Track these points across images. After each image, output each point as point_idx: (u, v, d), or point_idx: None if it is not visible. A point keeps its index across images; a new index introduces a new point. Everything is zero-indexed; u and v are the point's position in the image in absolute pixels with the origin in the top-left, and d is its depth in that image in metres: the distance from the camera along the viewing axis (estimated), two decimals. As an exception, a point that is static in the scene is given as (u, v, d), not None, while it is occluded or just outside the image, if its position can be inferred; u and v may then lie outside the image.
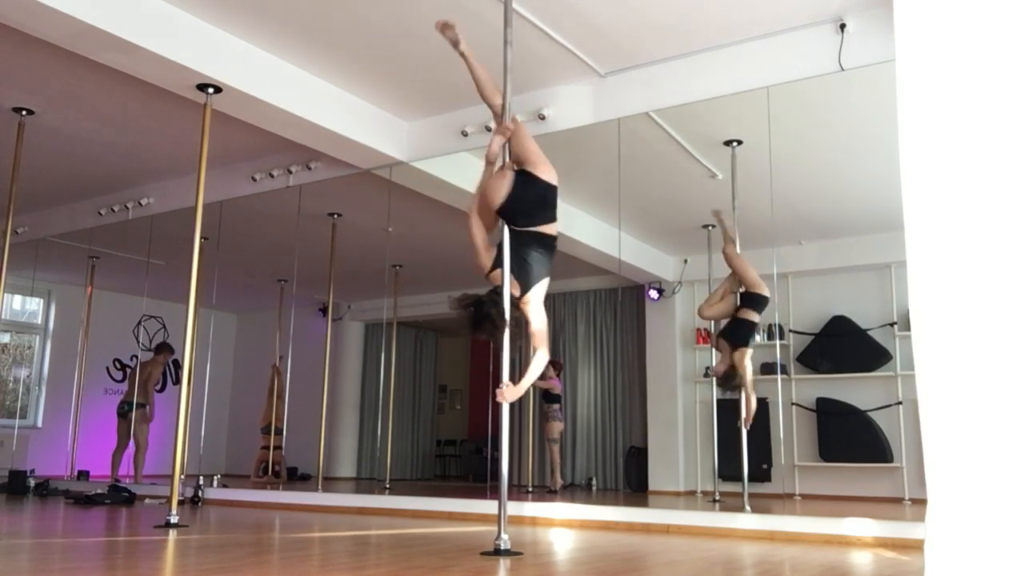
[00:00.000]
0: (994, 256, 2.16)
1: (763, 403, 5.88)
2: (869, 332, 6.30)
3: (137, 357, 9.58)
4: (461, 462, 11.55)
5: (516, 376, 3.77)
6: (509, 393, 3.69)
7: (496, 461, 3.81)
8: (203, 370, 8.34)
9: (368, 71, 5.47)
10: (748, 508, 5.10)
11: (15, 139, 6.08)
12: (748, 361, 5.69)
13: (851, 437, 6.30)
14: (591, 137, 5.67)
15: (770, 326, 6.28)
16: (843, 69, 4.57)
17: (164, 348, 8.77)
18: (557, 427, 7.96)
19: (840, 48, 4.58)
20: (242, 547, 3.78)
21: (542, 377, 7.98)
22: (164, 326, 9.48)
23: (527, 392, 7.96)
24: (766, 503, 5.55)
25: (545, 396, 8.03)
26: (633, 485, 7.53)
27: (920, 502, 4.21)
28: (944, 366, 2.18)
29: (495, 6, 4.46)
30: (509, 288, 3.70)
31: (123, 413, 8.47)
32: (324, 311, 8.18)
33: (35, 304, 9.67)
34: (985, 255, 2.17)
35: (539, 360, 3.70)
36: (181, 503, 5.19)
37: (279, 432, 8.87)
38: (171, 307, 8.90)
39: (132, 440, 8.33)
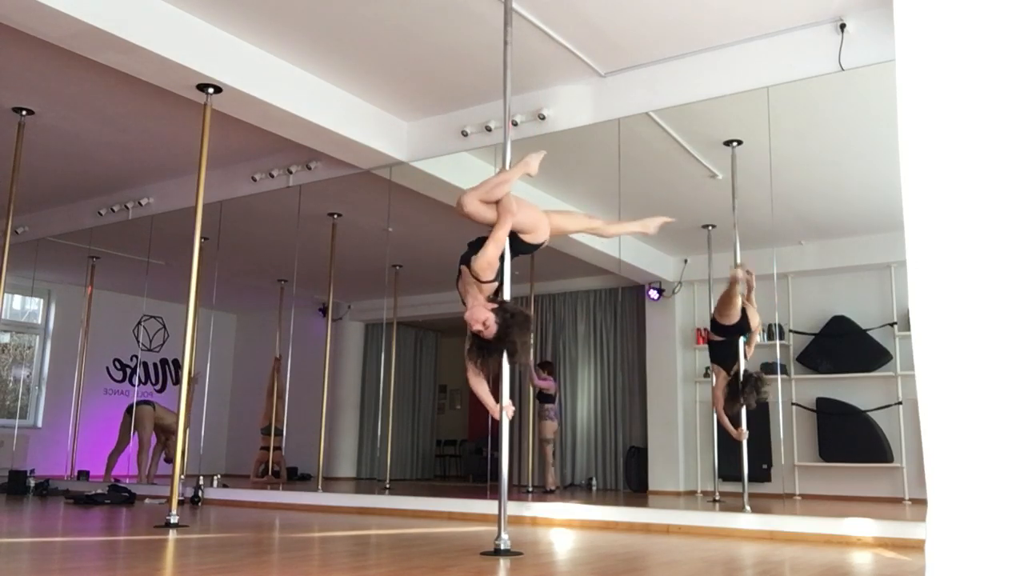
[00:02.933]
0: (994, 256, 2.16)
1: (763, 403, 5.89)
2: (869, 332, 6.30)
3: (137, 357, 9.58)
4: (461, 462, 11.55)
5: (514, 394, 3.80)
6: (509, 411, 3.75)
7: (496, 461, 3.81)
8: (203, 370, 8.34)
9: (368, 71, 5.48)
10: (748, 508, 5.10)
11: (15, 139, 6.08)
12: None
13: (851, 437, 6.30)
14: (591, 137, 5.67)
15: (770, 326, 6.28)
16: (843, 69, 4.57)
17: (165, 430, 8.50)
18: (551, 427, 7.95)
19: (840, 48, 4.58)
20: (242, 547, 3.78)
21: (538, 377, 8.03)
22: (164, 326, 9.48)
23: (526, 391, 8.02)
24: (766, 503, 5.55)
25: (540, 396, 8.03)
26: (633, 485, 7.53)
27: (920, 502, 4.21)
28: (944, 366, 2.18)
29: (495, 6, 4.46)
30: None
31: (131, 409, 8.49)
32: (324, 311, 8.18)
33: (35, 304, 9.67)
34: (985, 255, 2.17)
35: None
36: (181, 503, 5.19)
37: (279, 432, 8.87)
38: (171, 307, 8.90)
39: (136, 439, 8.34)
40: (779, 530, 4.48)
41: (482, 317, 3.57)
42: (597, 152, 6.04)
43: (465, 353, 3.71)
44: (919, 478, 2.54)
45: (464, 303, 3.73)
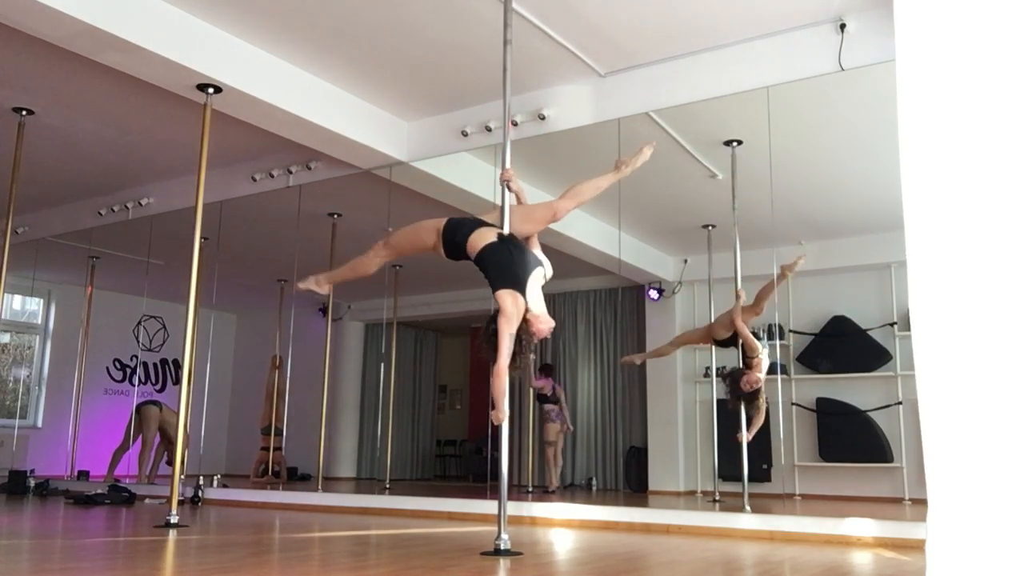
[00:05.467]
0: (994, 256, 2.16)
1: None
2: (869, 332, 6.29)
3: (137, 357, 9.58)
4: (461, 462, 11.55)
5: (514, 394, 3.77)
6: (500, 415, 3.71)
7: (496, 461, 3.82)
8: (203, 370, 8.33)
9: (368, 71, 5.47)
10: (748, 508, 5.10)
11: (15, 139, 6.08)
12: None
13: (851, 437, 6.29)
14: (591, 137, 5.67)
15: (770, 326, 6.28)
16: (843, 69, 4.57)
17: (164, 436, 8.45)
18: (553, 429, 7.94)
19: (840, 48, 4.58)
20: (242, 547, 3.78)
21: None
22: (164, 326, 9.48)
23: (526, 391, 8.01)
24: (766, 503, 5.55)
25: (539, 397, 8.03)
26: (633, 485, 7.53)
27: (920, 502, 4.22)
28: (944, 366, 2.18)
29: (495, 6, 4.46)
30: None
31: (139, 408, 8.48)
32: (324, 311, 8.18)
33: (35, 304, 9.67)
34: (985, 255, 2.17)
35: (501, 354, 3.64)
36: (181, 503, 5.19)
37: (279, 432, 8.87)
38: (171, 307, 8.90)
39: (141, 439, 8.33)
40: (779, 530, 4.48)
41: None
42: (597, 152, 6.03)
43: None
44: (919, 478, 2.54)
45: None
